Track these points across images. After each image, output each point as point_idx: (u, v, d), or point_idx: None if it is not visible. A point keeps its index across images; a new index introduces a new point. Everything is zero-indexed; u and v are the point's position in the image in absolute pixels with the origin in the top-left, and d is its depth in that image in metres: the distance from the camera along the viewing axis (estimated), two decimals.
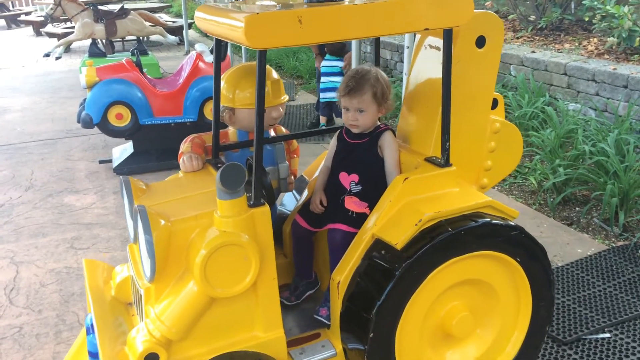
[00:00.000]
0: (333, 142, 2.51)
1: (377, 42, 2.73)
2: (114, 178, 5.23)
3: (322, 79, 6.09)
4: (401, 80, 6.77)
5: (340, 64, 5.98)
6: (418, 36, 2.50)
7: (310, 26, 1.80)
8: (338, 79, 5.92)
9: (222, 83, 2.42)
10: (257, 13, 1.74)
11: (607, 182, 4.05)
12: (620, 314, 2.98)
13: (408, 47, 4.40)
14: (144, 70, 5.57)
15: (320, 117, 6.31)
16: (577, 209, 4.25)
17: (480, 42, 2.32)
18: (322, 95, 6.13)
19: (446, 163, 2.23)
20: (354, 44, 5.08)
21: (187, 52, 11.26)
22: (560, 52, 6.04)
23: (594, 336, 2.83)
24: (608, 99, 5.20)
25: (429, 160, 2.29)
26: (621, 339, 2.81)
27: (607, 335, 2.84)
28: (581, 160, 4.53)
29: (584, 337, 2.83)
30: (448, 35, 2.11)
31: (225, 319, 2.00)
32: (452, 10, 2.04)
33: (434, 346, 2.25)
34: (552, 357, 2.70)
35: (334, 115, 6.25)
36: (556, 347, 2.76)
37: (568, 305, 3.07)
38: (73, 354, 2.50)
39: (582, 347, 2.77)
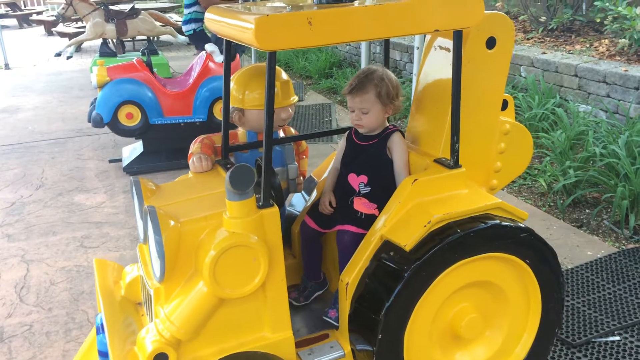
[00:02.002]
0: (342, 143, 2.51)
1: (386, 43, 2.73)
2: (123, 177, 5.26)
3: (185, 10, 5.96)
4: (411, 81, 6.76)
5: None
6: (428, 37, 2.50)
7: (320, 28, 1.80)
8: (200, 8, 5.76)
9: (232, 84, 2.43)
10: (267, 15, 1.75)
11: (617, 184, 4.02)
12: (631, 317, 2.96)
13: (418, 48, 4.40)
14: (154, 70, 5.59)
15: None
16: (587, 211, 4.22)
17: (491, 43, 2.31)
18: (185, 27, 5.98)
19: (455, 164, 2.23)
20: (363, 44, 5.08)
21: (197, 52, 11.29)
22: (571, 53, 6.01)
23: (604, 339, 2.82)
24: (619, 100, 5.16)
25: (438, 161, 2.29)
26: (631, 342, 2.79)
27: (617, 338, 2.82)
28: (592, 162, 4.50)
29: (593, 340, 2.81)
30: (458, 37, 2.10)
31: (234, 319, 2.00)
32: (462, 12, 2.04)
33: (443, 347, 2.24)
34: None
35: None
36: (566, 349, 2.75)
37: (578, 307, 3.05)
38: (83, 353, 2.52)
39: (591, 350, 2.75)
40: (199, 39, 6.02)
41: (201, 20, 5.93)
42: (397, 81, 2.38)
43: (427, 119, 2.45)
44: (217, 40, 5.82)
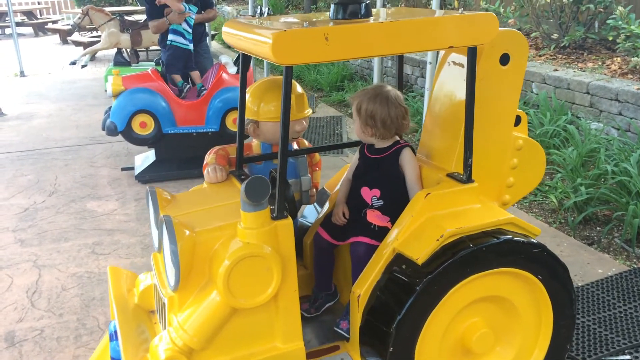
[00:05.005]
0: (355, 156, 2.54)
1: (400, 59, 2.75)
2: (135, 185, 5.30)
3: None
4: (422, 96, 6.79)
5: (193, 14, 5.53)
6: (441, 52, 2.52)
7: (336, 43, 1.83)
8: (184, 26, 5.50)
9: (247, 96, 2.46)
10: (285, 30, 1.78)
11: (629, 202, 4.01)
12: None
13: (431, 63, 4.43)
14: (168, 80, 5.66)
15: (173, 76, 5.55)
16: (598, 228, 4.21)
17: (504, 59, 2.33)
18: (171, 37, 5.50)
19: (468, 179, 2.24)
20: (376, 59, 5.12)
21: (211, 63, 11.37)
22: (583, 70, 6.02)
23: (614, 358, 2.80)
24: (631, 118, 5.16)
25: (451, 176, 2.30)
26: None
27: (627, 357, 2.81)
28: (603, 179, 4.49)
29: (603, 358, 2.80)
30: (472, 53, 2.13)
31: (246, 329, 2.02)
32: (476, 29, 2.06)
33: None
34: None
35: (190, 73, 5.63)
36: None
37: (588, 325, 3.04)
38: (95, 359, 2.54)
39: None
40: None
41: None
42: (392, 111, 2.32)
43: (440, 134, 2.47)
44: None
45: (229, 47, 13.70)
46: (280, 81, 2.45)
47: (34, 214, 4.69)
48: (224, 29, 2.25)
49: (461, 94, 2.26)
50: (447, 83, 2.45)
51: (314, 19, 2.14)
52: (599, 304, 3.24)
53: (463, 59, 2.30)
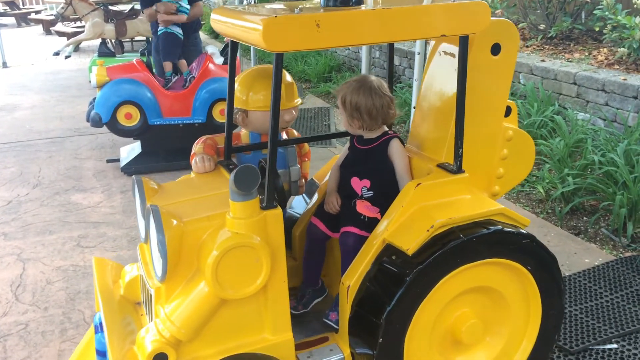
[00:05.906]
0: (346, 146, 2.53)
1: (391, 49, 2.73)
2: (121, 177, 5.24)
3: None
4: (409, 87, 6.77)
5: None
6: (432, 42, 2.50)
7: (327, 31, 1.81)
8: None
9: (236, 85, 2.43)
10: (275, 16, 1.75)
11: (616, 192, 4.03)
12: (628, 325, 2.96)
13: (419, 54, 4.39)
14: (154, 70, 5.59)
15: (164, 64, 5.62)
16: (585, 218, 4.23)
17: (496, 49, 2.32)
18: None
19: (459, 170, 2.24)
20: (364, 48, 5.08)
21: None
22: (570, 61, 6.03)
23: (601, 347, 2.82)
24: (618, 109, 5.18)
25: (441, 166, 2.29)
26: (628, 350, 2.80)
27: (615, 346, 2.83)
28: (590, 170, 4.52)
29: (591, 347, 2.81)
30: (464, 42, 2.11)
31: (234, 320, 2.00)
32: (469, 17, 2.05)
33: (442, 352, 2.24)
34: None
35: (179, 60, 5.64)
36: (563, 357, 2.75)
37: (575, 315, 3.06)
38: (80, 352, 2.51)
39: (589, 357, 2.75)
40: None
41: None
42: (376, 101, 2.29)
43: (430, 124, 2.46)
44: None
45: (215, 37, 13.59)
46: (269, 70, 2.42)
47: (18, 207, 4.62)
48: (212, 16, 2.21)
49: (452, 85, 2.24)
50: (438, 73, 2.43)
51: (297, 6, 2.12)
52: (586, 294, 3.26)
53: (454, 49, 2.28)
